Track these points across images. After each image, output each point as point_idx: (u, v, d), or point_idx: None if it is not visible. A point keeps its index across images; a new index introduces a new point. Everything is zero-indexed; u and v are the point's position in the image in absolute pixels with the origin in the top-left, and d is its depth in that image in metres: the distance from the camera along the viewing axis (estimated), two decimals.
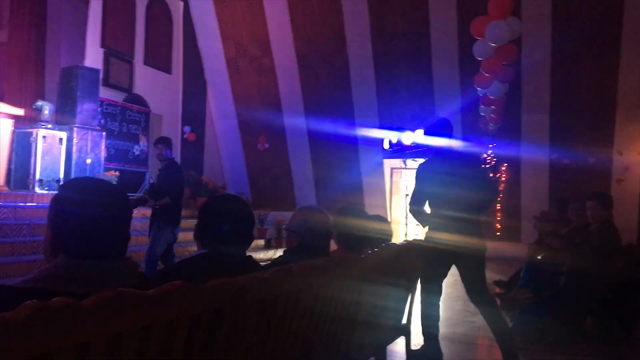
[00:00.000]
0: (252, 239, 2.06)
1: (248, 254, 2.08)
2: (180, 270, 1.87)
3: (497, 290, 6.69)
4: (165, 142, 6.33)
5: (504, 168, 11.40)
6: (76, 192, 1.37)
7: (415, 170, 4.03)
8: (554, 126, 10.95)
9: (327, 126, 12.02)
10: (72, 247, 1.30)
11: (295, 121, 12.58)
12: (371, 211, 4.08)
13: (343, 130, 12.03)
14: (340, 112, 12.13)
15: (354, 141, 12.23)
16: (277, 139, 12.95)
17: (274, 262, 2.48)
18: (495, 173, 11.21)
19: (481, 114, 9.68)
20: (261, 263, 2.37)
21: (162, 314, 1.26)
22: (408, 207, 4.20)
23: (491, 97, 8.61)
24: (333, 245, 2.86)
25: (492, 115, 9.41)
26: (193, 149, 13.10)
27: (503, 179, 11.38)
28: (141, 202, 6.00)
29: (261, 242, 11.05)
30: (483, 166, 10.19)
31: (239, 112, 13.28)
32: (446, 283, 4.19)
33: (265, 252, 10.24)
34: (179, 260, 1.94)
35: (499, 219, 11.31)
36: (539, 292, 5.44)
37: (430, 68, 11.37)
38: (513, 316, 5.17)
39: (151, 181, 7.15)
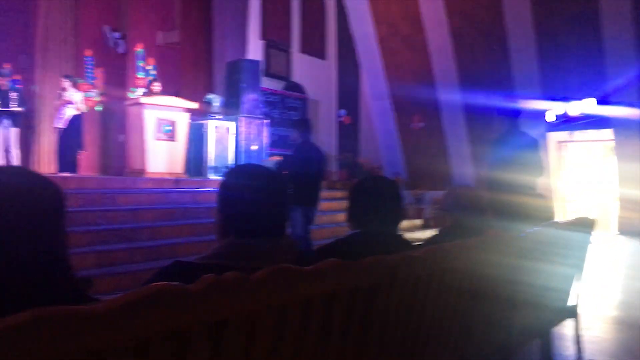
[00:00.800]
0: (401, 217, 2.09)
1: (407, 234, 2.13)
2: (335, 248, 1.97)
3: None
4: (296, 125, 6.41)
5: None
6: (239, 177, 1.53)
7: None
8: None
9: (484, 100, 11.57)
10: (239, 227, 1.45)
11: (450, 97, 12.28)
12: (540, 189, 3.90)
13: (502, 103, 11.48)
14: (498, 84, 11.59)
15: (516, 114, 11.61)
16: (431, 116, 12.76)
17: (427, 241, 2.50)
18: None
19: None
20: (417, 243, 2.40)
21: (322, 287, 1.36)
22: None
23: None
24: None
25: None
26: (349, 131, 13.41)
27: None
28: None
29: (418, 221, 11.02)
30: None
31: (393, 92, 13.28)
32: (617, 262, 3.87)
33: (423, 232, 10.20)
34: (333, 240, 2.03)
35: None
36: None
37: (599, 29, 10.37)
38: None
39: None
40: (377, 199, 1.97)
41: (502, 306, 2.34)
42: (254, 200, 1.45)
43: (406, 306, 1.69)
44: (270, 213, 1.47)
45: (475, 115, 12.04)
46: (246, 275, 1.18)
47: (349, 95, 13.49)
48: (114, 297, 0.97)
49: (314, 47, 12.55)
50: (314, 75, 12.41)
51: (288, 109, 11.29)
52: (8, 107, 8.58)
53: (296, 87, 11.76)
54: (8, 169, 1.22)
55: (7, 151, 8.72)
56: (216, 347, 1.15)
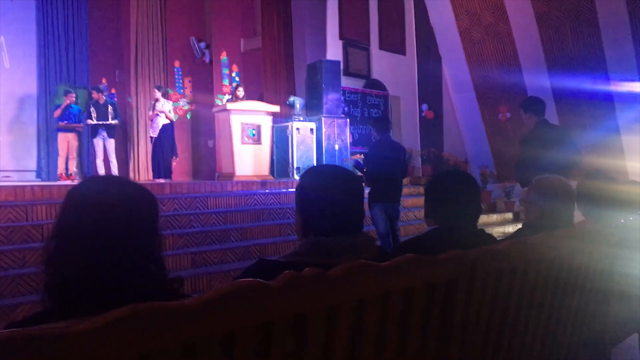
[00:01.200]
0: (479, 211, 2.06)
1: (497, 228, 2.10)
2: (415, 244, 1.99)
3: None
4: (373, 123, 6.49)
5: None
6: (314, 178, 1.59)
7: None
8: None
9: (575, 85, 11.01)
10: (317, 226, 1.50)
11: (538, 84, 11.77)
12: (637, 176, 3.69)
13: (594, 86, 10.89)
14: (590, 67, 10.99)
15: (609, 98, 10.98)
16: (518, 106, 12.29)
17: (512, 236, 2.44)
18: None
19: None
20: (501, 238, 2.35)
21: (399, 282, 1.39)
22: None
23: None
24: (578, 216, 2.68)
25: None
26: (432, 126, 13.21)
27: None
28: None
29: (509, 215, 10.67)
30: None
31: (476, 83, 12.93)
32: None
33: (515, 225, 9.87)
34: (413, 236, 2.04)
35: None
36: None
37: None
38: None
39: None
40: (453, 193, 1.96)
41: (595, 299, 2.25)
42: (330, 199, 1.50)
43: (489, 301, 1.67)
44: (346, 211, 1.52)
45: (566, 101, 11.49)
46: (324, 271, 1.23)
47: (430, 89, 13.29)
48: (202, 294, 1.05)
49: (393, 43, 12.47)
50: (394, 71, 12.34)
51: (369, 107, 11.30)
52: (106, 120, 9.19)
53: (376, 85, 11.74)
54: (109, 178, 1.36)
55: (107, 161, 9.34)
56: (298, 340, 1.21)
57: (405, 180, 10.37)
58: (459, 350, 1.60)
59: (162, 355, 0.98)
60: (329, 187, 1.52)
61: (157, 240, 1.26)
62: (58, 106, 9.40)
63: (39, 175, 11.15)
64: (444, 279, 1.50)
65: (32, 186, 6.51)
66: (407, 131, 12.46)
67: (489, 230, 4.27)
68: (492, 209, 10.61)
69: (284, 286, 1.14)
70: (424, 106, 13.08)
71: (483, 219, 9.36)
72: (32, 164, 11.21)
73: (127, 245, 1.16)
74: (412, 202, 9.04)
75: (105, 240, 1.15)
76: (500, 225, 9.55)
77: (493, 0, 11.90)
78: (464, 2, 12.39)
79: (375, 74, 11.89)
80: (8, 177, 10.47)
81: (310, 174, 1.64)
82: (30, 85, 11.24)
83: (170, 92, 11.34)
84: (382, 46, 12.18)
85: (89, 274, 1.13)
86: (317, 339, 1.22)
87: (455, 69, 13.17)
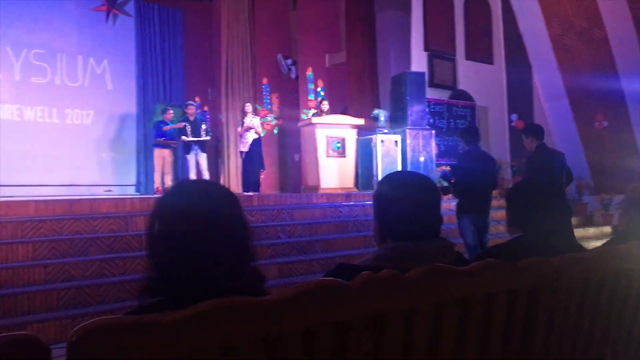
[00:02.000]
0: (567, 218, 1.99)
1: (594, 242, 2.02)
2: (498, 252, 1.95)
3: None
4: (462, 134, 6.36)
5: None
6: (391, 184, 1.61)
7: None
8: None
9: None
10: (395, 232, 1.52)
11: (638, 89, 11.11)
12: None
13: None
14: None
15: None
16: (616, 113, 11.63)
17: (603, 245, 2.33)
18: None
19: None
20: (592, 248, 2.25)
21: (479, 288, 1.38)
22: None
23: None
24: None
25: None
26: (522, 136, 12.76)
27: None
28: (445, 191, 6.13)
29: (607, 228, 10.08)
30: None
31: (570, 91, 12.37)
32: None
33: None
34: (495, 245, 2.01)
35: None
36: None
37: None
38: None
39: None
40: (537, 199, 1.91)
41: None
42: (407, 204, 1.52)
43: (575, 310, 1.62)
44: (424, 216, 1.53)
45: None
46: (400, 273, 1.25)
47: (520, 98, 12.86)
48: (282, 290, 1.11)
49: (480, 52, 12.21)
50: (481, 81, 12.06)
51: (455, 118, 11.11)
52: (199, 136, 9.64)
53: (463, 95, 11.53)
54: (195, 182, 1.47)
55: (200, 175, 9.77)
56: (376, 340, 1.24)
57: (495, 192, 10.08)
58: None
59: (243, 348, 1.04)
60: (406, 193, 1.54)
61: (244, 234, 1.33)
62: (158, 123, 9.95)
63: (137, 189, 11.84)
64: (527, 286, 1.48)
65: (131, 199, 6.94)
66: (495, 142, 12.12)
67: (585, 244, 4.09)
68: (589, 222, 10.08)
69: (361, 287, 1.18)
70: (514, 116, 12.67)
71: (579, 232, 8.90)
72: (132, 179, 11.93)
73: (213, 242, 1.24)
74: (502, 215, 8.75)
75: (194, 241, 1.24)
76: (597, 240, 9.02)
77: (586, 5, 11.39)
78: (555, 8, 11.95)
79: (462, 85, 11.69)
80: (110, 190, 11.21)
81: (387, 180, 1.67)
82: (130, 104, 12.01)
83: (259, 108, 11.72)
84: (469, 56, 11.96)
85: (181, 271, 1.21)
86: (394, 341, 1.25)
87: (546, 77, 12.70)
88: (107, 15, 11.81)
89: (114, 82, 11.86)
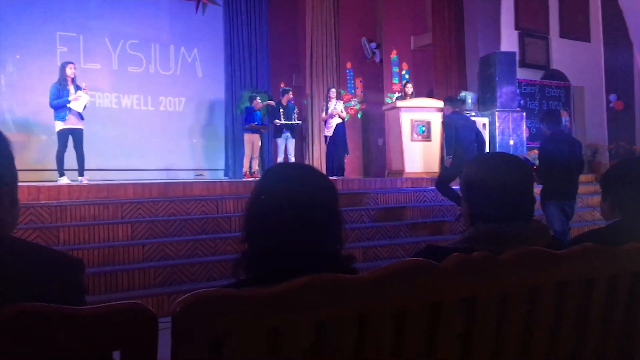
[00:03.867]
0: None
1: None
2: (595, 237, 1.85)
3: None
4: (543, 117, 6.17)
5: None
6: (481, 165, 1.57)
7: None
8: None
9: None
10: (485, 214, 1.49)
11: None
12: None
13: None
14: None
15: None
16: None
17: None
18: None
19: None
20: None
21: (576, 272, 1.33)
22: None
23: None
24: None
25: None
26: (621, 117, 11.99)
27: None
28: None
29: None
30: None
31: None
32: None
33: None
34: (591, 230, 1.90)
35: None
36: None
37: None
38: None
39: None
40: (636, 183, 1.79)
41: None
42: (498, 186, 1.48)
43: None
44: (516, 197, 1.48)
45: None
46: (494, 255, 1.23)
47: (619, 78, 12.06)
48: (375, 269, 1.12)
49: (575, 30, 11.54)
50: (576, 60, 11.41)
51: (548, 99, 10.60)
52: (291, 120, 9.84)
53: (557, 75, 10.97)
54: (292, 165, 1.51)
55: (286, 159, 9.96)
56: (468, 322, 1.23)
57: (590, 177, 9.56)
58: None
59: (336, 323, 1.06)
60: (497, 174, 1.50)
61: (337, 219, 1.36)
62: (247, 108, 10.22)
63: (226, 173, 12.23)
64: (630, 270, 1.40)
65: (221, 182, 7.20)
66: (592, 124, 11.47)
67: None
68: None
69: (453, 268, 1.17)
70: (612, 96, 11.92)
71: None
72: (221, 164, 12.33)
73: (309, 223, 1.28)
74: (597, 201, 8.31)
75: (290, 220, 1.27)
76: None
77: None
78: None
79: (555, 64, 11.12)
80: (201, 175, 11.66)
81: (477, 161, 1.63)
82: (218, 91, 12.38)
83: (343, 92, 11.73)
84: (563, 34, 11.35)
85: (277, 249, 1.26)
86: (486, 323, 1.23)
87: None
88: (197, 5, 12.21)
89: (203, 70, 12.27)
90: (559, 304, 1.32)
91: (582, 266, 1.33)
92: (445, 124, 6.90)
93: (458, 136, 6.60)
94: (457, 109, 6.93)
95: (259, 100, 10.13)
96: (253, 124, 9.93)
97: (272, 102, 9.99)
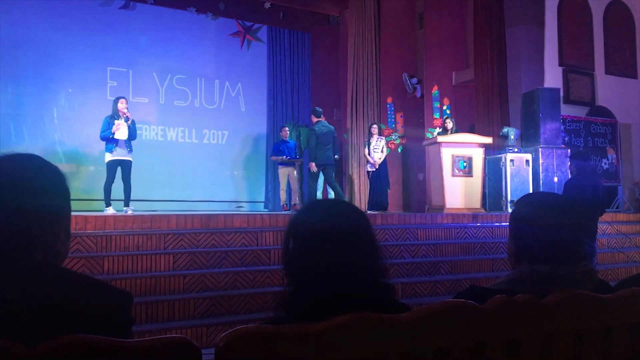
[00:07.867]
0: None
1: None
2: None
3: None
4: (572, 156, 6.53)
5: None
6: (529, 205, 1.56)
7: None
8: None
9: None
10: (532, 254, 1.47)
11: None
12: None
13: None
14: None
15: None
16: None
17: None
18: None
19: None
20: None
21: (624, 317, 1.30)
22: None
23: None
24: None
25: None
26: None
27: None
28: None
29: None
30: None
31: None
32: None
33: None
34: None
35: None
36: None
37: None
38: None
39: None
40: None
41: None
42: (546, 227, 1.47)
43: None
44: (563, 239, 1.46)
45: None
46: (538, 298, 1.21)
47: None
48: (417, 308, 1.12)
49: (621, 66, 11.36)
50: (623, 96, 11.19)
51: (593, 136, 10.39)
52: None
53: (602, 112, 10.76)
54: (337, 201, 1.54)
55: (326, 193, 10.00)
56: None
57: (637, 216, 9.25)
58: None
59: None
60: (547, 215, 1.49)
61: (374, 250, 1.37)
62: (277, 143, 10.37)
63: (266, 205, 12.37)
64: None
65: (261, 215, 7.27)
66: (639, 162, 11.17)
67: None
68: None
69: (495, 309, 1.16)
70: None
71: None
72: (262, 196, 12.49)
73: (346, 258, 1.29)
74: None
75: (328, 257, 1.29)
76: None
77: None
78: None
79: (601, 101, 10.93)
80: (241, 207, 11.81)
81: (526, 200, 1.62)
82: (261, 125, 12.64)
83: (383, 127, 11.78)
84: (609, 70, 11.17)
85: (316, 286, 1.27)
86: None
87: None
88: (242, 41, 12.56)
89: (246, 104, 12.56)
90: (606, 349, 1.28)
91: (630, 311, 1.29)
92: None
93: None
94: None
95: (287, 130, 10.28)
96: (280, 157, 10.01)
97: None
